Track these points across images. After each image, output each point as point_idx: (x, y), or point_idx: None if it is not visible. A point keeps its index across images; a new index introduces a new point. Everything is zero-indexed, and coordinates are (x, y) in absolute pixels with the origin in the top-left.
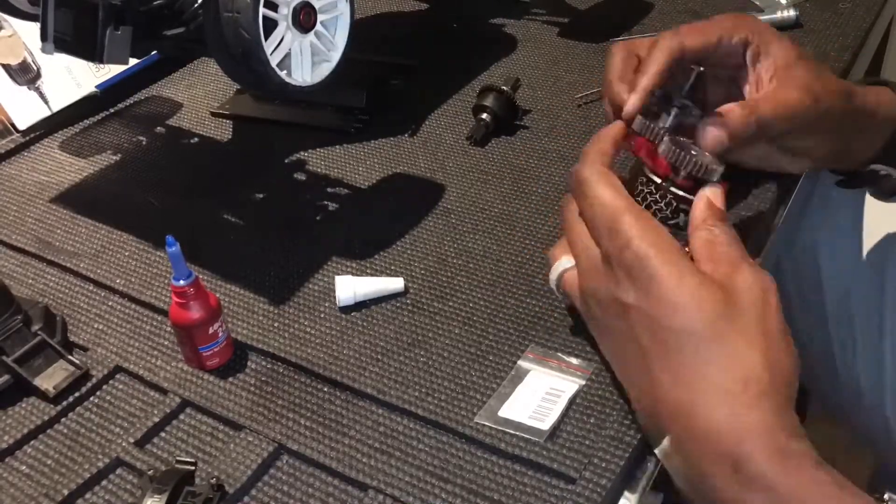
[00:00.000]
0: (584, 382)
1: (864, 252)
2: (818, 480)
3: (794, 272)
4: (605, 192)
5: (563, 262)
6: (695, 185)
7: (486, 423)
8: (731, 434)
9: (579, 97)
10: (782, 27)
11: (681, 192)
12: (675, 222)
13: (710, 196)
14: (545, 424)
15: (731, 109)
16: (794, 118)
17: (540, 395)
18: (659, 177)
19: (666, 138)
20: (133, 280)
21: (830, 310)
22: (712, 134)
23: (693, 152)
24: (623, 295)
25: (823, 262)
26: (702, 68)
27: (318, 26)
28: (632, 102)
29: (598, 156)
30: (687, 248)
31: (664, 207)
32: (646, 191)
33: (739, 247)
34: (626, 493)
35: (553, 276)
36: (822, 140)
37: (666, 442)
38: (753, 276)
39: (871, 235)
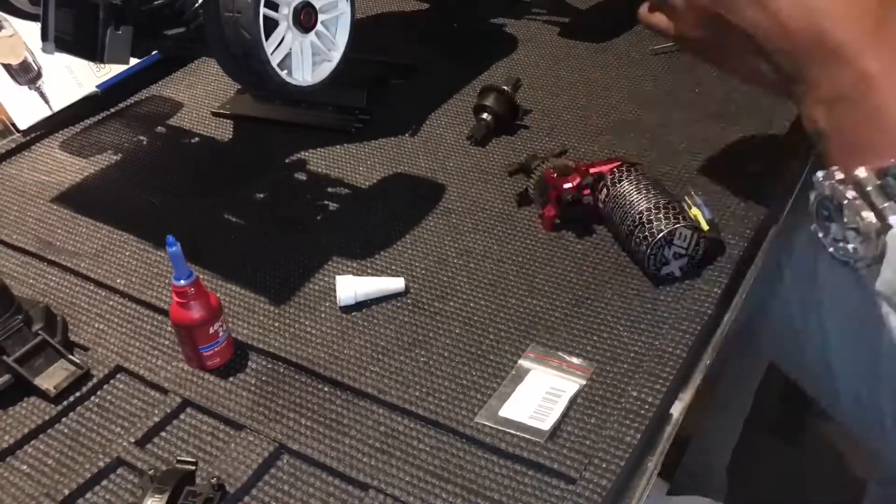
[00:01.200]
0: (584, 382)
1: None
2: None
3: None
4: None
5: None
6: None
7: (487, 423)
8: (868, 19)
9: (656, 48)
10: None
11: None
12: None
13: None
14: (546, 424)
15: None
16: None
17: (540, 394)
18: None
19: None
20: (134, 280)
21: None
22: None
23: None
24: None
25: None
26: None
27: (319, 26)
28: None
29: None
30: None
31: None
32: None
33: None
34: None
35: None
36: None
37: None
38: None
39: None
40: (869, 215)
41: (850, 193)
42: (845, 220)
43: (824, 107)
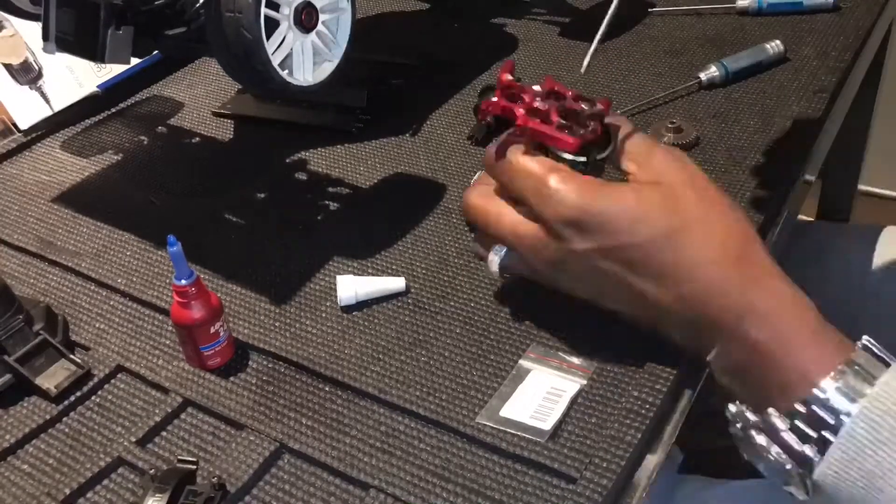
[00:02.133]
0: (585, 382)
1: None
2: (811, 317)
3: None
4: (526, 160)
5: (498, 251)
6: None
7: (488, 423)
8: (735, 289)
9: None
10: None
11: (569, 156)
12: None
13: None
14: (546, 424)
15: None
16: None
17: (541, 394)
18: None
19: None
20: (134, 279)
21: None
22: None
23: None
24: (580, 246)
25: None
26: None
27: (320, 26)
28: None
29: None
30: None
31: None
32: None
33: (644, 138)
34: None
35: (494, 267)
36: None
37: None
38: (664, 155)
39: None
40: (788, 460)
41: (763, 439)
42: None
43: (727, 375)
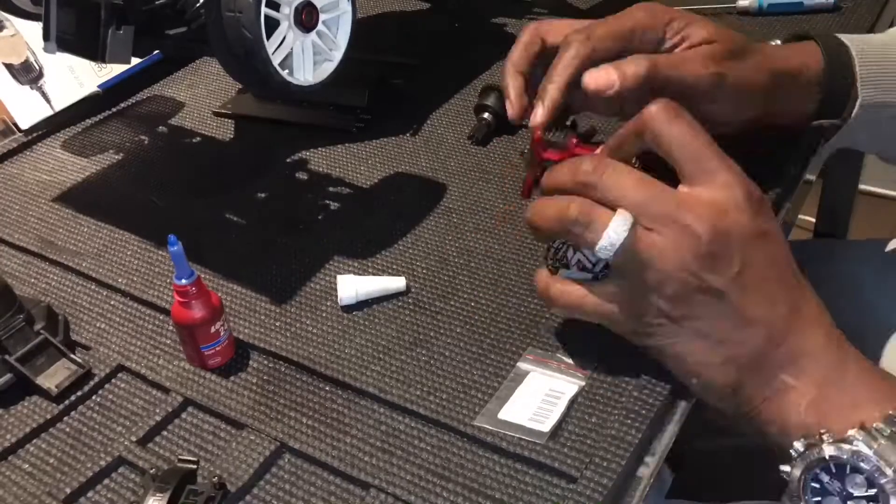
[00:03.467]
0: (583, 384)
1: None
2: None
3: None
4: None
5: (624, 221)
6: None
7: (486, 426)
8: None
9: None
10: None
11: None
12: None
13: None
14: (545, 426)
15: (628, 59)
16: (687, 84)
17: (540, 396)
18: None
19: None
20: (135, 279)
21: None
22: (604, 71)
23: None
24: (714, 281)
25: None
26: (593, 130)
27: (320, 26)
28: (539, 116)
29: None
30: None
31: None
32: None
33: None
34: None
35: (616, 234)
36: (738, 109)
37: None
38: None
39: None
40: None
41: (863, 447)
42: (865, 474)
43: (806, 400)
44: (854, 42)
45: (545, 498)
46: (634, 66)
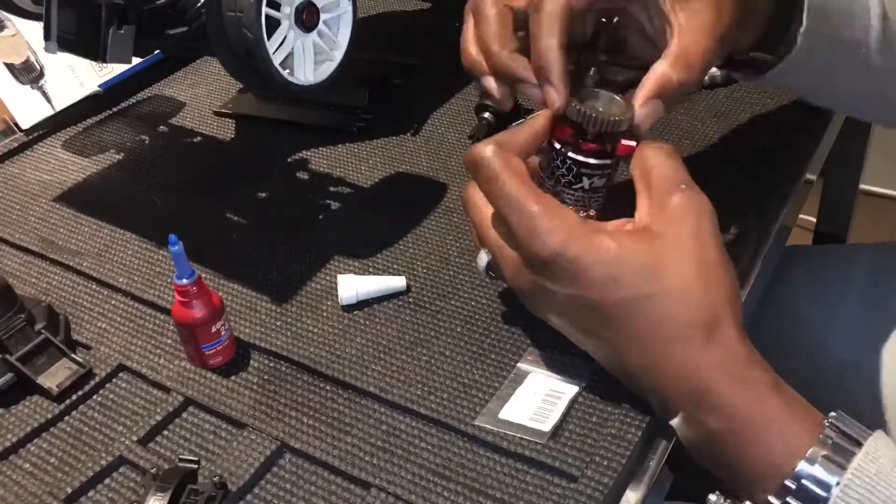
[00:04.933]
0: (584, 383)
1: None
2: (771, 406)
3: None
4: (514, 185)
5: (486, 253)
6: (602, 147)
7: (487, 426)
8: (691, 373)
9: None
10: None
11: (580, 157)
12: (580, 186)
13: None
14: (546, 426)
15: (663, 80)
16: (708, 62)
17: (540, 396)
18: (560, 142)
19: (572, 101)
20: (136, 279)
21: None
22: (647, 111)
23: (599, 109)
24: (553, 289)
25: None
26: (615, 19)
27: (321, 25)
28: (558, 99)
29: (505, 139)
30: (591, 213)
31: (566, 173)
32: (550, 156)
33: (673, 171)
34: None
35: (481, 265)
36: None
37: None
38: (682, 202)
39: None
40: None
41: None
42: None
43: (693, 448)
44: None
45: (546, 497)
46: (671, 90)
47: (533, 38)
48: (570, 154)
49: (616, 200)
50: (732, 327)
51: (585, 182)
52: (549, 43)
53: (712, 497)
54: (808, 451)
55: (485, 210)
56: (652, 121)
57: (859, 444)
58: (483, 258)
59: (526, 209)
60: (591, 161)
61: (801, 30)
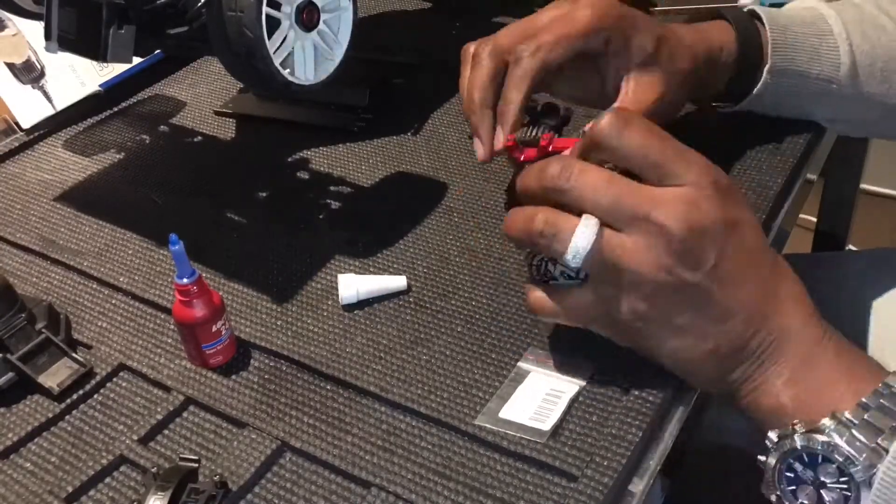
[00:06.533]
0: (584, 383)
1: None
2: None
3: None
4: (663, 135)
5: (589, 225)
6: (540, 151)
7: (487, 426)
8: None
9: None
10: None
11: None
12: None
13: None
14: (546, 426)
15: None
16: (658, 112)
17: (540, 395)
18: (522, 163)
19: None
20: (137, 278)
21: None
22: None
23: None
24: (690, 277)
25: None
26: (569, 112)
27: (322, 25)
28: (502, 139)
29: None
30: None
31: None
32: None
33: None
34: (635, 479)
35: (582, 241)
36: (680, 99)
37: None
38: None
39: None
40: (863, 447)
41: (835, 437)
42: (836, 464)
43: (781, 381)
44: (763, 11)
45: (546, 497)
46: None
47: (505, 88)
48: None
49: None
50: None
51: None
52: (514, 97)
53: (773, 434)
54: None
55: (600, 173)
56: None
57: None
58: (587, 229)
59: (686, 148)
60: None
61: (767, 67)
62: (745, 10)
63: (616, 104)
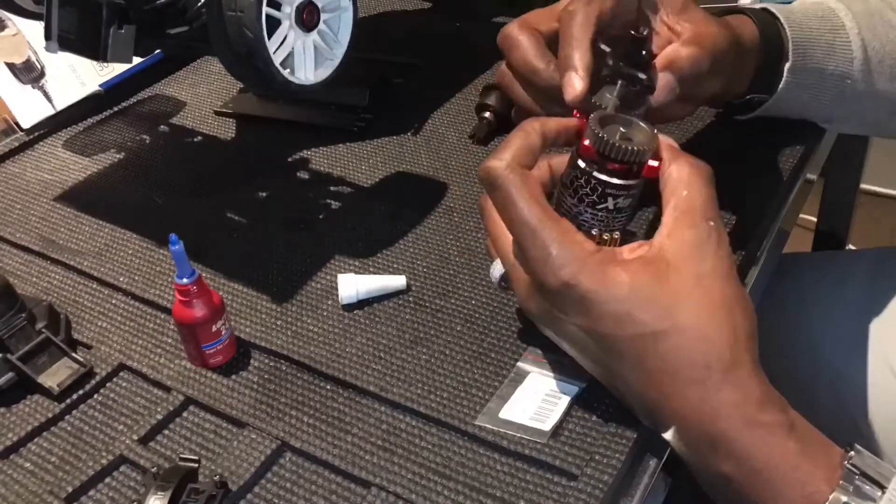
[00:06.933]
0: (584, 383)
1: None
2: (787, 451)
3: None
4: (529, 207)
5: (500, 267)
6: (628, 167)
7: (487, 426)
8: (706, 417)
9: None
10: None
11: (604, 178)
12: (604, 206)
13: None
14: (546, 425)
15: (674, 54)
16: (715, 54)
17: (540, 395)
18: (585, 161)
19: (591, 124)
20: (136, 278)
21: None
22: (662, 84)
23: (621, 135)
24: (563, 316)
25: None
26: (644, 31)
27: (322, 25)
28: (577, 85)
29: (521, 152)
30: (616, 234)
31: (590, 192)
32: (573, 174)
33: (706, 201)
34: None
35: (494, 276)
36: (715, 81)
37: (669, 433)
38: (693, 238)
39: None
40: None
41: None
42: None
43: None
44: (777, 8)
45: (546, 496)
46: (690, 62)
47: (562, 38)
48: (596, 174)
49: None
50: (748, 367)
51: (610, 202)
52: (579, 39)
53: None
54: (829, 499)
55: (500, 223)
56: (666, 95)
57: (882, 487)
58: (497, 269)
59: (539, 236)
60: (616, 181)
61: (787, 65)
62: (758, 7)
63: (683, 32)
